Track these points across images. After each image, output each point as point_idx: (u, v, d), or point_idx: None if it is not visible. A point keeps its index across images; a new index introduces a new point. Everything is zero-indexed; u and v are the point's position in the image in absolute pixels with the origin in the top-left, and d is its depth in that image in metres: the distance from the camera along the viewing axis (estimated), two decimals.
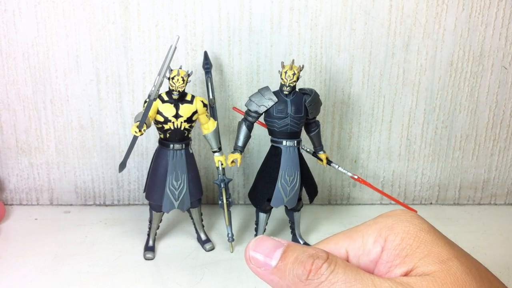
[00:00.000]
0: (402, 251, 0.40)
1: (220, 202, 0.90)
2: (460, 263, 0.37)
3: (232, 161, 0.86)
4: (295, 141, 0.84)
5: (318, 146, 0.91)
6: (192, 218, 0.92)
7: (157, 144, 0.87)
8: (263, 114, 0.84)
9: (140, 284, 0.81)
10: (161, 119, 0.83)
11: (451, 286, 0.36)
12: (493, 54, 1.01)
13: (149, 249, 0.89)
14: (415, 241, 0.40)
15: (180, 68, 0.82)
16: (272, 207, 0.88)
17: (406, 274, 0.39)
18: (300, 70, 0.82)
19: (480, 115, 1.05)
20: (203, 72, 0.96)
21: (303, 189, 0.88)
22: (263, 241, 0.43)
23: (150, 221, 0.90)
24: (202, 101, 0.85)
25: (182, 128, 0.84)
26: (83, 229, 0.97)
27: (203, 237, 0.93)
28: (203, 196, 0.98)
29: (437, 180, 1.10)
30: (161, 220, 0.91)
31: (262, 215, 0.89)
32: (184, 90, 0.82)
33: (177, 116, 0.83)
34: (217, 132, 0.88)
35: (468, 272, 0.38)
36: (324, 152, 0.92)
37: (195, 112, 0.84)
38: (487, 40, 0.99)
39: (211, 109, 0.92)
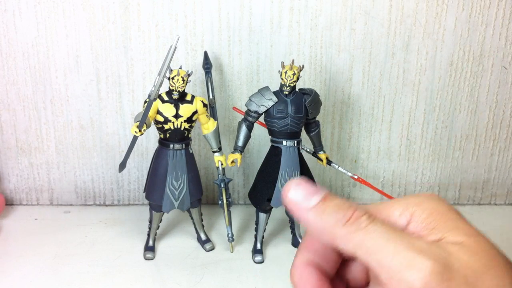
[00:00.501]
0: (430, 224, 0.41)
1: (220, 202, 0.90)
2: (486, 240, 0.39)
3: (232, 161, 0.86)
4: (295, 141, 0.84)
5: (318, 146, 0.91)
6: (192, 218, 0.92)
7: (157, 144, 0.87)
8: (263, 114, 0.84)
9: (140, 284, 0.81)
10: (161, 119, 0.83)
11: (483, 255, 0.37)
12: (493, 54, 1.01)
13: (149, 249, 0.89)
14: (443, 217, 0.41)
15: (180, 68, 0.82)
16: (272, 207, 0.88)
17: None
18: (300, 70, 0.82)
19: (480, 115, 1.05)
20: (203, 72, 0.96)
21: None
22: (304, 184, 0.44)
23: (150, 221, 0.90)
24: (202, 101, 0.85)
25: (182, 128, 0.84)
26: (83, 229, 0.97)
27: (203, 237, 0.93)
28: (203, 196, 0.97)
29: (437, 180, 1.10)
30: (161, 220, 0.91)
31: (262, 215, 0.89)
32: (184, 90, 0.82)
33: (177, 116, 0.83)
34: (217, 132, 0.88)
35: (495, 248, 0.39)
36: (324, 152, 0.92)
37: (195, 112, 0.84)
38: (487, 40, 0.99)
39: (211, 109, 0.92)
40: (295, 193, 0.44)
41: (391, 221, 0.44)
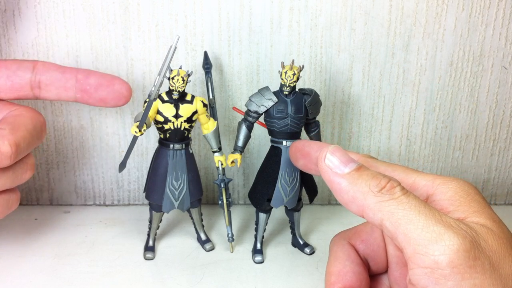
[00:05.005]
0: (455, 201, 0.40)
1: (220, 202, 0.90)
2: (507, 227, 0.39)
3: (232, 161, 0.86)
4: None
5: None
6: (192, 218, 0.92)
7: (157, 144, 0.88)
8: (263, 114, 0.84)
9: (140, 284, 0.81)
10: (161, 119, 0.83)
11: (505, 240, 0.37)
12: (493, 54, 1.01)
13: (149, 249, 0.89)
14: (468, 197, 0.40)
15: (180, 68, 0.82)
16: (272, 207, 0.88)
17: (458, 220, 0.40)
18: (300, 70, 0.82)
19: (480, 115, 1.05)
20: (203, 72, 0.96)
21: (303, 189, 0.89)
22: (340, 151, 0.43)
23: (150, 221, 0.90)
24: (202, 101, 0.85)
25: (182, 128, 0.84)
26: (83, 229, 0.97)
27: (203, 237, 0.93)
28: (203, 196, 0.98)
29: None
30: (161, 220, 0.91)
31: (262, 215, 0.89)
32: (184, 90, 0.82)
33: (177, 116, 0.83)
34: (217, 132, 0.88)
35: None
36: None
37: (195, 112, 0.84)
38: (487, 40, 0.99)
39: (211, 109, 0.92)
40: (330, 159, 0.43)
41: (413, 188, 0.44)
